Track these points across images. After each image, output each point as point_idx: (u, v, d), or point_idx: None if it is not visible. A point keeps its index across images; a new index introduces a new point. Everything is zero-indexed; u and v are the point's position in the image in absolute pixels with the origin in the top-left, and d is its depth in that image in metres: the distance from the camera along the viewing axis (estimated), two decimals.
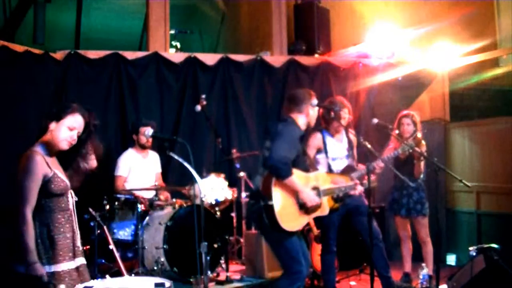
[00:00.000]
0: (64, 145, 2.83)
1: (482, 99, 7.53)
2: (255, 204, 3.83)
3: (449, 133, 6.78)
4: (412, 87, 7.09)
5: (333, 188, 4.12)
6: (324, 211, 4.04)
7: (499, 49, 6.73)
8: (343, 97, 5.08)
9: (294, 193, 3.80)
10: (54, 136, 2.81)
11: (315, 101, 4.15)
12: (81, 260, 2.91)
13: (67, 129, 2.82)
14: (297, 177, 3.80)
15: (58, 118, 2.82)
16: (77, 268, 2.85)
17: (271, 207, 3.68)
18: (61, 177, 2.83)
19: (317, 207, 3.94)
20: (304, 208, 3.85)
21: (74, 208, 2.93)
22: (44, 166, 2.74)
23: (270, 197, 3.70)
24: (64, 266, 2.78)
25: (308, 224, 5.33)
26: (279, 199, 3.73)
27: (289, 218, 3.76)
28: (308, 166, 4.08)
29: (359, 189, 4.28)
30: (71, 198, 2.92)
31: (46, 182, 2.73)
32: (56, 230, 2.78)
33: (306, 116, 4.03)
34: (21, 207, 2.65)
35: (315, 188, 3.95)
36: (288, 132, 3.85)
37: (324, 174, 4.19)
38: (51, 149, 2.84)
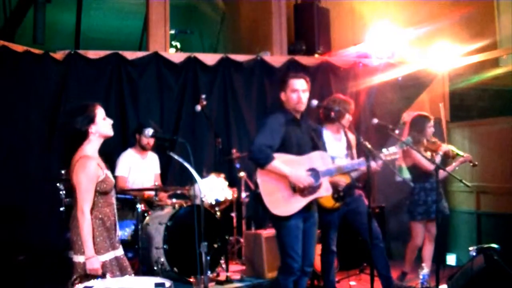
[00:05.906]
0: (111, 132, 3.20)
1: (482, 99, 7.53)
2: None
3: (449, 133, 6.78)
4: (412, 87, 7.09)
5: (336, 167, 4.09)
6: (327, 191, 4.03)
7: (499, 49, 6.74)
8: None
9: (284, 177, 3.83)
10: (100, 132, 3.12)
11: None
12: (121, 250, 3.24)
13: (104, 120, 3.16)
14: (284, 161, 3.82)
15: (92, 119, 3.10)
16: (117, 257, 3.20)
17: (259, 194, 3.81)
18: (110, 177, 3.19)
19: (315, 188, 3.92)
20: (299, 190, 3.87)
21: (115, 202, 3.27)
22: (98, 169, 3.09)
23: (257, 186, 3.84)
24: (119, 252, 3.18)
25: None
26: (265, 186, 3.81)
27: (279, 203, 3.81)
28: (311, 148, 4.03)
29: (363, 165, 4.16)
30: (114, 194, 3.27)
31: (100, 182, 3.09)
32: (108, 222, 3.13)
33: (287, 99, 4.00)
34: (82, 206, 3.00)
35: (312, 170, 3.93)
36: (271, 120, 3.94)
37: (325, 155, 4.07)
38: (97, 149, 3.16)
